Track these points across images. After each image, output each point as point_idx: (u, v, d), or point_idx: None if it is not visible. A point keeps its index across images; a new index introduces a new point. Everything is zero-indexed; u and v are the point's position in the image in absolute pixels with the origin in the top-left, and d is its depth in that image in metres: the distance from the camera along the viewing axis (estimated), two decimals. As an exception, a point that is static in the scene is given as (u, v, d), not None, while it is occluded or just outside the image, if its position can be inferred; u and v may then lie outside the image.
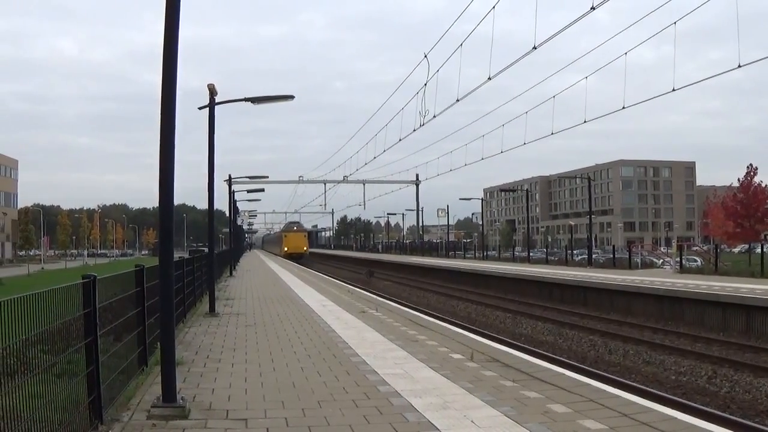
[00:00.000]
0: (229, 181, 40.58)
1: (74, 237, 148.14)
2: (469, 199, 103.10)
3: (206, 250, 26.89)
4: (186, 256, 22.57)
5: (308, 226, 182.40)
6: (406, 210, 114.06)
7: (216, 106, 18.90)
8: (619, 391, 8.97)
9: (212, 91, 18.34)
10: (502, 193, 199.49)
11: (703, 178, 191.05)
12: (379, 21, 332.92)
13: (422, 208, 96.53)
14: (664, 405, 8.52)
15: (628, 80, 33.52)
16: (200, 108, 19.03)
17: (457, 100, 27.39)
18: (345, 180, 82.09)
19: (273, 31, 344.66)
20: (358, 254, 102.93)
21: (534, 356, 12.58)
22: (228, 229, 59.89)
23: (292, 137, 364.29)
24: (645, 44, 25.68)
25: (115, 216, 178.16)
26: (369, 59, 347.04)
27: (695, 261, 44.34)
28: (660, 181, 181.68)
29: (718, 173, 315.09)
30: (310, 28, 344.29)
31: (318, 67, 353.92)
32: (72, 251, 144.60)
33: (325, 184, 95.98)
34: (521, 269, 43.03)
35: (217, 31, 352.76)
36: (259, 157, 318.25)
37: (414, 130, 32.79)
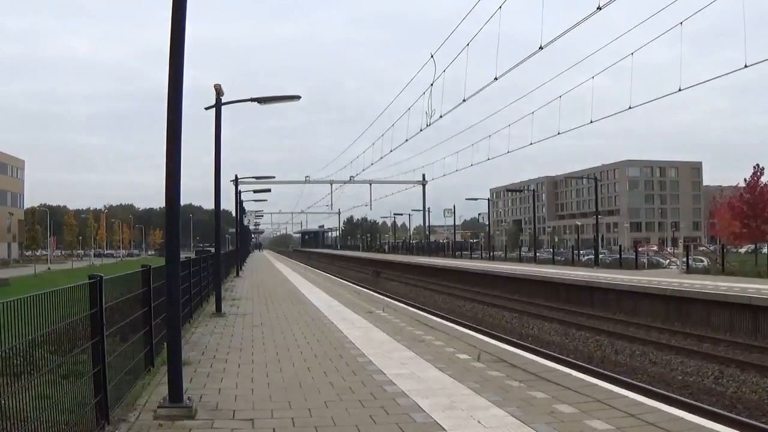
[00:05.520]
0: (236, 181, 40.64)
1: (81, 237, 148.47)
2: (476, 199, 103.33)
3: (213, 250, 26.95)
4: (192, 256, 22.61)
5: (314, 226, 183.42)
6: (413, 210, 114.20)
7: (225, 106, 18.95)
8: (626, 391, 8.95)
9: (219, 91, 18.36)
10: (509, 193, 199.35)
11: (712, 178, 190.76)
12: (396, 20, 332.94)
13: (429, 208, 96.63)
14: (671, 405, 8.49)
15: (642, 80, 33.54)
16: (206, 108, 19.07)
17: (464, 100, 27.41)
18: (351, 180, 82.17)
19: (288, 30, 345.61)
20: (365, 254, 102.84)
21: (541, 356, 12.56)
22: (234, 230, 59.98)
23: (303, 137, 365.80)
24: (660, 44, 25.67)
25: (122, 216, 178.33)
26: (384, 58, 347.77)
27: (702, 261, 44.20)
28: (667, 182, 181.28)
29: (727, 173, 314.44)
30: (326, 26, 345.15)
31: (332, 66, 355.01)
32: (78, 251, 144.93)
33: (331, 184, 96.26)
34: (528, 269, 42.96)
35: (232, 29, 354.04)
36: (269, 157, 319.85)
37: (420, 130, 32.80)
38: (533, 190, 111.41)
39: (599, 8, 18.10)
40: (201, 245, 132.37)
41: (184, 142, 8.08)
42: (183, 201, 8.67)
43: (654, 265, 44.79)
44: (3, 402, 4.73)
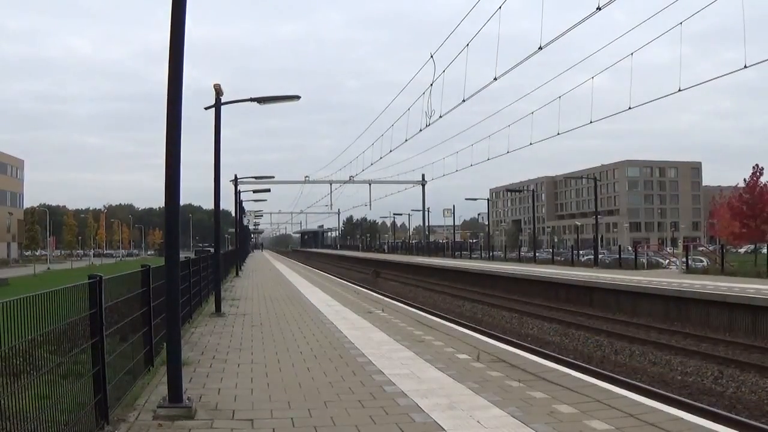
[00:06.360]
0: (235, 181, 40.65)
1: (80, 237, 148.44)
2: (476, 199, 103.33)
3: (212, 250, 26.95)
4: (192, 256, 22.60)
5: (314, 226, 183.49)
6: (412, 210, 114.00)
7: (225, 106, 18.95)
8: (626, 391, 8.96)
9: (218, 91, 18.36)
10: (509, 193, 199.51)
11: (713, 179, 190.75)
12: (397, 20, 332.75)
13: (428, 208, 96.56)
14: (671, 405, 8.50)
15: (642, 80, 33.53)
16: (206, 108, 19.07)
17: (463, 101, 27.40)
18: (351, 180, 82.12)
19: (289, 30, 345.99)
20: (364, 254, 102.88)
21: (540, 356, 12.57)
22: (234, 229, 59.97)
23: (304, 137, 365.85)
24: (660, 44, 25.69)
25: (121, 216, 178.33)
26: (384, 58, 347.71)
27: (701, 261, 44.21)
28: (666, 182, 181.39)
29: (728, 173, 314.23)
30: (327, 27, 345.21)
31: (333, 67, 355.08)
32: (78, 251, 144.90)
33: (331, 184, 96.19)
34: (527, 269, 42.98)
35: (233, 29, 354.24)
36: (269, 157, 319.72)
37: (420, 131, 32.74)
38: (533, 190, 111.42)
39: (599, 8, 18.10)
40: (201, 245, 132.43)
41: (184, 143, 8.09)
42: (183, 201, 8.69)
43: (653, 266, 44.81)
44: (3, 402, 4.73)
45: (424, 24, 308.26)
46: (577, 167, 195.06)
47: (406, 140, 38.01)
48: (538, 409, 7.73)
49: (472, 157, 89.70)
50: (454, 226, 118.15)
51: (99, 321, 6.80)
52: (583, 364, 16.53)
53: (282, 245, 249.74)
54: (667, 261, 47.61)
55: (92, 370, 6.63)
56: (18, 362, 5.10)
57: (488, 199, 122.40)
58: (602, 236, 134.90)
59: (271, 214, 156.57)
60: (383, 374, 9.85)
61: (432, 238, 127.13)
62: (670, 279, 29.93)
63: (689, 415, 7.73)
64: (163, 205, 8.15)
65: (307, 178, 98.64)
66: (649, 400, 8.46)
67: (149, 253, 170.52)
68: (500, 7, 21.20)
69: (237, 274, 42.00)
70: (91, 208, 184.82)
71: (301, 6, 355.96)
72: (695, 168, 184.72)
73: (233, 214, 56.92)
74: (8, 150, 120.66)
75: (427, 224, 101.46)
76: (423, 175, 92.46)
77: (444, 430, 6.97)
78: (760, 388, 14.79)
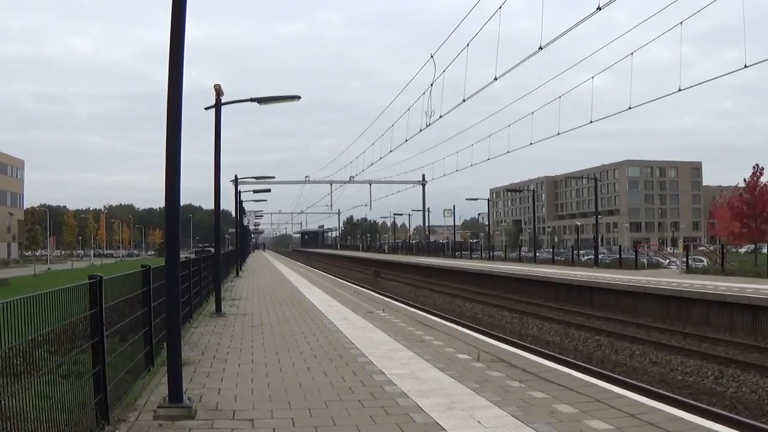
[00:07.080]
0: (236, 182, 40.65)
1: (80, 237, 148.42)
2: (476, 199, 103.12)
3: (212, 250, 26.96)
4: (192, 256, 22.59)
5: (314, 226, 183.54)
6: (413, 210, 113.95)
7: (225, 106, 18.96)
8: (626, 391, 8.96)
9: (218, 92, 18.36)
10: (509, 193, 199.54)
11: (713, 179, 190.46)
12: (398, 19, 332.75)
13: (428, 208, 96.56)
14: (671, 405, 8.50)
15: (642, 80, 33.53)
16: (206, 108, 19.07)
17: (464, 100, 27.44)
18: (351, 180, 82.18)
19: (290, 30, 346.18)
20: (365, 254, 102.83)
21: (540, 356, 12.57)
22: (234, 230, 59.97)
23: (305, 137, 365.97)
24: (660, 44, 25.73)
25: (122, 216, 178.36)
26: (386, 58, 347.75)
27: (701, 261, 44.20)
28: (666, 182, 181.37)
29: (728, 173, 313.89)
30: (328, 27, 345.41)
31: (334, 67, 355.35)
32: (78, 252, 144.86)
33: (331, 184, 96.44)
34: (528, 269, 42.97)
35: (234, 30, 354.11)
36: (270, 157, 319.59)
37: (420, 131, 32.78)
38: (533, 190, 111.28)
39: (599, 8, 18.12)
40: (201, 245, 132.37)
41: (185, 143, 8.10)
42: (183, 201, 8.67)
43: (654, 265, 44.78)
44: (3, 402, 4.73)
45: (425, 24, 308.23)
46: (577, 167, 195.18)
47: (407, 140, 38.04)
48: (538, 409, 7.73)
49: (472, 157, 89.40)
50: (454, 226, 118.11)
51: (99, 321, 6.80)
52: (584, 364, 16.53)
53: (282, 245, 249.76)
54: (668, 261, 47.58)
55: (93, 370, 6.63)
56: (18, 362, 5.10)
57: (488, 199, 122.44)
58: (602, 236, 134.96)
59: (271, 214, 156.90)
60: (383, 374, 9.85)
61: (432, 238, 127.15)
62: (670, 279, 29.92)
63: (690, 414, 7.73)
64: (163, 205, 8.15)
65: (307, 179, 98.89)
66: (650, 399, 8.46)
67: (150, 253, 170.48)
68: (500, 7, 21.22)
69: (237, 274, 42.01)
70: (91, 208, 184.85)
71: (301, 6, 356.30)
72: (695, 168, 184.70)
73: (233, 215, 56.91)
74: (8, 150, 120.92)
75: (427, 224, 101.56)
76: (423, 175, 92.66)
77: (444, 430, 6.97)
78: (760, 387, 14.80)
